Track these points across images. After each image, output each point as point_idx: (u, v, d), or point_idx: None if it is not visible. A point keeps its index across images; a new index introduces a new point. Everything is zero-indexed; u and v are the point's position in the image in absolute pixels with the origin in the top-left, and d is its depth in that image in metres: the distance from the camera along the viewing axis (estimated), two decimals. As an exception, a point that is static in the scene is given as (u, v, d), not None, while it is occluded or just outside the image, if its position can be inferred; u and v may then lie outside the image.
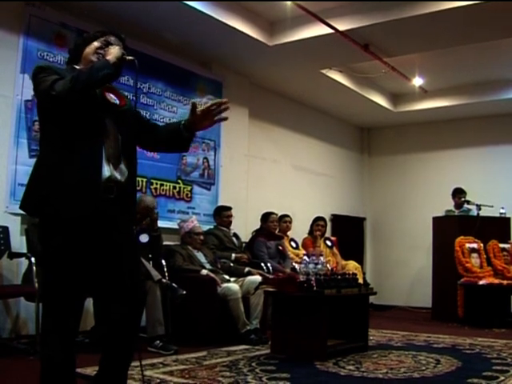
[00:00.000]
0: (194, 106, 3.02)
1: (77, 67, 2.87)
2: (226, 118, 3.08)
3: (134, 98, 3.09)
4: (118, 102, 2.93)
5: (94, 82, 2.67)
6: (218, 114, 3.04)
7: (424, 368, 4.72)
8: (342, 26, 6.71)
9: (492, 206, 8.47)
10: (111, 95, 2.93)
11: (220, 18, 6.44)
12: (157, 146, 3.24)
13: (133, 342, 2.84)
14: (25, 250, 5.38)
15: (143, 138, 3.10)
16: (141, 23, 6.39)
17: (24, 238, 5.49)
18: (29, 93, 5.65)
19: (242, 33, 6.78)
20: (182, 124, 3.04)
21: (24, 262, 5.39)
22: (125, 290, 2.77)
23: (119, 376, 2.84)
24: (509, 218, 8.72)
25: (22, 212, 5.32)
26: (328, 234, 9.60)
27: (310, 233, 8.83)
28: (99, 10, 6.06)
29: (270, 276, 6.42)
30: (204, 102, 7.66)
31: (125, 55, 2.81)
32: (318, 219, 8.87)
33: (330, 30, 6.71)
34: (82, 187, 2.66)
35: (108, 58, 2.75)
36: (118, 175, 2.78)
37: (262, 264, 7.20)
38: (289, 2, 6.35)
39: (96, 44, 2.89)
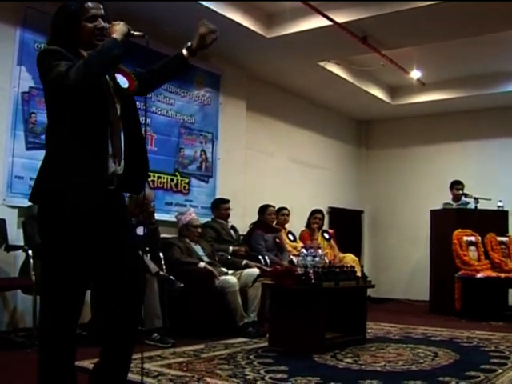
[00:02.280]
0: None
1: (82, 52, 2.78)
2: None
3: (148, 98, 3.05)
4: (127, 85, 2.87)
5: (107, 64, 2.62)
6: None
7: (422, 361, 4.72)
8: (341, 18, 6.69)
9: (490, 199, 8.47)
10: (121, 77, 2.87)
11: (218, 10, 6.42)
12: (156, 85, 3.27)
13: (134, 334, 2.83)
14: (22, 243, 5.36)
15: (143, 89, 3.09)
16: (138, 15, 6.34)
17: (21, 230, 5.46)
18: (26, 85, 5.65)
19: (240, 25, 6.76)
20: (187, 48, 3.21)
21: (21, 254, 5.37)
22: (124, 284, 2.75)
23: (121, 369, 2.84)
24: (506, 211, 8.73)
25: (19, 204, 5.39)
26: (325, 226, 9.58)
27: (308, 226, 8.80)
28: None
29: (268, 269, 6.41)
30: (202, 95, 7.66)
31: (131, 30, 2.75)
32: (315, 212, 8.85)
33: (328, 22, 6.69)
34: (88, 183, 2.64)
35: (114, 35, 2.67)
36: (119, 169, 2.78)
37: (260, 257, 7.19)
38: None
39: (89, 25, 2.75)
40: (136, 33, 2.78)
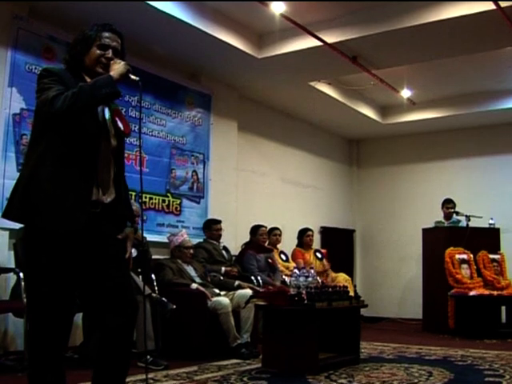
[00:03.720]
0: None
1: (85, 77, 2.83)
2: None
3: (138, 118, 3.03)
4: (122, 128, 2.89)
5: (95, 101, 2.66)
6: None
7: (416, 381, 4.69)
8: (331, 38, 6.73)
9: (481, 217, 8.48)
10: (118, 121, 2.89)
11: (209, 31, 6.45)
12: None
13: (129, 351, 2.80)
14: (13, 265, 5.32)
15: None
16: (129, 36, 6.33)
17: (12, 252, 5.43)
18: (17, 106, 5.64)
19: (231, 45, 6.79)
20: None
21: (12, 277, 5.34)
22: (117, 300, 2.73)
23: None
24: (498, 229, 8.73)
25: (10, 227, 5.34)
26: (318, 246, 9.58)
27: (299, 245, 8.82)
28: (88, 23, 6.02)
29: (261, 289, 6.39)
30: (193, 115, 7.67)
31: (130, 72, 2.78)
32: (307, 230, 8.88)
33: (319, 43, 6.73)
34: (72, 205, 2.63)
35: (111, 73, 2.71)
36: (104, 199, 2.79)
37: (252, 277, 7.17)
38: (277, 14, 6.35)
39: (97, 52, 2.82)
40: (133, 77, 2.80)
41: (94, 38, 2.83)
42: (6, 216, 2.72)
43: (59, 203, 2.62)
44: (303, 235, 8.85)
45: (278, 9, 6.27)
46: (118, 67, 2.74)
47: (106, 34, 2.86)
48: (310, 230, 8.94)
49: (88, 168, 2.71)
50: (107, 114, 2.85)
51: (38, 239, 2.65)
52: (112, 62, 2.79)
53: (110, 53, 2.83)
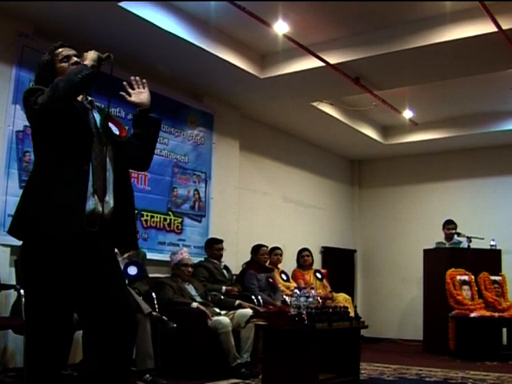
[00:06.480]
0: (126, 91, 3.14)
1: None
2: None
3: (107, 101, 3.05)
4: (117, 132, 2.94)
5: (74, 86, 2.71)
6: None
7: (416, 402, 4.69)
8: (333, 59, 6.76)
9: (483, 239, 8.47)
10: (112, 126, 2.95)
11: (212, 51, 6.47)
12: (141, 157, 3.20)
13: (128, 370, 2.80)
14: (14, 282, 5.31)
15: (135, 162, 3.14)
16: (133, 55, 6.41)
17: (13, 269, 5.42)
18: (20, 123, 5.65)
19: (234, 65, 6.82)
20: (135, 116, 3.20)
21: (13, 293, 5.33)
22: (116, 318, 2.73)
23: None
24: (499, 250, 8.71)
25: (11, 243, 5.34)
26: (318, 266, 9.56)
27: (298, 265, 8.83)
28: (91, 42, 6.06)
29: (261, 309, 6.37)
30: (195, 134, 7.69)
31: (100, 55, 2.88)
32: (302, 250, 8.92)
33: (321, 64, 6.76)
34: (66, 216, 2.66)
35: (85, 62, 2.82)
36: (101, 208, 2.79)
37: (253, 297, 7.15)
38: (280, 35, 6.38)
39: (63, 64, 2.94)
40: (104, 55, 2.91)
41: (53, 58, 2.97)
42: (10, 232, 2.78)
43: (54, 212, 2.65)
44: (299, 256, 8.87)
45: (281, 29, 6.31)
46: (88, 56, 2.86)
47: (60, 50, 2.99)
48: (307, 249, 8.94)
49: (81, 175, 2.73)
50: (98, 120, 2.92)
51: (35, 255, 2.67)
52: (82, 57, 2.90)
53: (73, 59, 2.95)
